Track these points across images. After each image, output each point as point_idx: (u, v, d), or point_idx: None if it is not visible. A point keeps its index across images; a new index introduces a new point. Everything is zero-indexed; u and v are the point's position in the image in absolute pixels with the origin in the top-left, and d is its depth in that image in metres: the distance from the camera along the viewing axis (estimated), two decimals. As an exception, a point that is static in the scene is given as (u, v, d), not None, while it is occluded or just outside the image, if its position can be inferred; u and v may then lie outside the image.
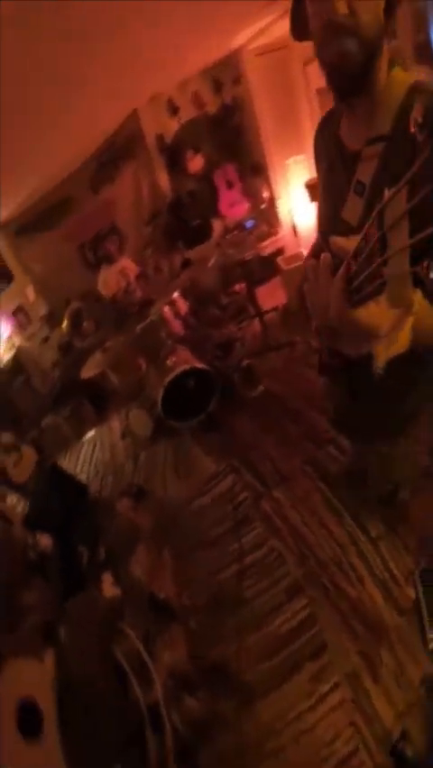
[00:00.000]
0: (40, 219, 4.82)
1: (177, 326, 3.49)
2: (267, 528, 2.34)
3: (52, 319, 5.13)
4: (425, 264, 0.47)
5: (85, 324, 4.33)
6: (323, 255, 0.58)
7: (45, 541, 2.36)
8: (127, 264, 4.16)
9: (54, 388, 4.75)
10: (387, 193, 0.44)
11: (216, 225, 4.42)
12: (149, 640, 1.71)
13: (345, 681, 1.65)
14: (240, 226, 4.33)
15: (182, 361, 3.23)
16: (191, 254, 4.16)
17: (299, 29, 0.81)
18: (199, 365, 3.15)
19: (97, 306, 4.37)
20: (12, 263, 5.11)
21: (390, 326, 0.56)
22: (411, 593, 1.72)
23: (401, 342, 0.58)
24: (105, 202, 4.69)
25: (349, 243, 0.55)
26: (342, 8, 0.67)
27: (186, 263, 4.06)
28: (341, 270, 0.54)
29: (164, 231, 4.34)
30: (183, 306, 3.60)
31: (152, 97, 4.08)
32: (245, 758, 1.59)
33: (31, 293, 5.23)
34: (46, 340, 5.10)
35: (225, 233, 4.27)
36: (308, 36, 0.77)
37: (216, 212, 4.49)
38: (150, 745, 1.32)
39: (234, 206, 4.43)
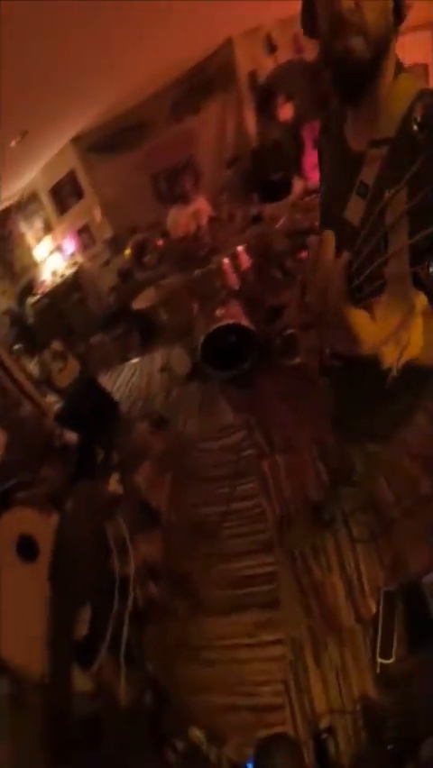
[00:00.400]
0: (114, 139, 4.60)
1: (233, 280, 3.56)
2: (260, 485, 2.56)
3: (116, 244, 5.11)
4: (426, 265, 0.45)
5: (148, 257, 4.44)
6: (325, 232, 0.58)
7: (70, 436, 2.71)
8: (202, 206, 4.07)
9: (108, 310, 5.02)
10: (387, 193, 0.44)
11: (297, 185, 4.08)
12: (133, 532, 2.03)
13: (289, 642, 1.80)
14: (318, 192, 4.15)
15: (230, 315, 3.36)
16: (265, 209, 3.99)
17: (310, 26, 0.80)
18: (245, 323, 3.27)
19: (163, 241, 4.40)
20: (82, 180, 5.00)
21: (386, 334, 0.54)
22: (373, 607, 1.74)
23: (414, 345, 0.57)
24: (185, 133, 4.46)
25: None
26: (349, 6, 0.68)
27: (257, 218, 3.96)
28: (342, 260, 0.54)
29: (243, 178, 4.18)
30: (245, 262, 3.62)
31: (249, 30, 3.81)
32: (180, 651, 1.90)
33: (98, 214, 5.15)
34: (107, 263, 5.19)
35: (303, 196, 3.91)
36: (317, 34, 0.77)
37: (299, 170, 4.11)
38: (115, 600, 1.65)
39: (315, 169, 4.20)
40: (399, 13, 0.74)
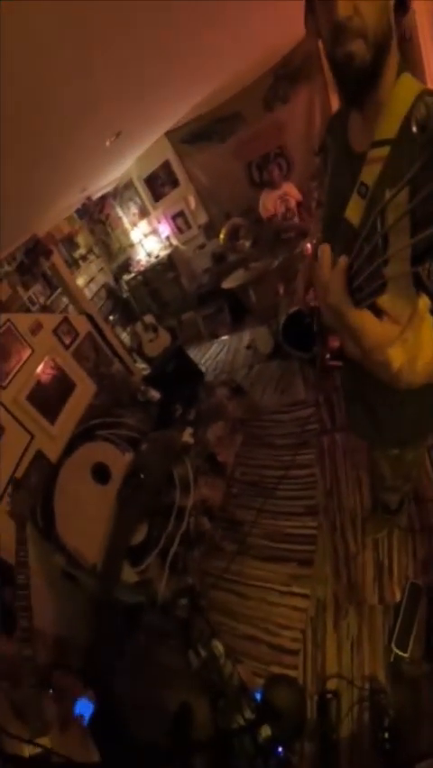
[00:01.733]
0: (209, 130, 4.80)
1: (317, 263, 3.60)
2: (317, 457, 2.66)
3: (210, 229, 5.41)
4: (426, 266, 0.45)
5: (241, 240, 4.63)
6: (322, 247, 0.59)
7: (153, 393, 3.09)
8: (290, 190, 4.15)
9: (200, 289, 5.36)
10: (388, 193, 0.43)
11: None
12: (197, 476, 2.30)
13: (315, 599, 1.91)
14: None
15: (313, 298, 3.43)
16: None
17: (314, 30, 0.80)
18: (324, 305, 3.32)
19: (256, 225, 4.56)
20: (177, 169, 5.29)
21: (388, 340, 0.52)
22: (397, 595, 1.74)
23: (427, 351, 0.53)
24: (276, 122, 4.52)
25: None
26: (347, 9, 0.67)
27: None
28: (342, 261, 0.54)
29: None
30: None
31: None
32: (219, 580, 2.13)
33: (192, 201, 5.46)
34: (202, 247, 5.53)
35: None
36: (321, 35, 0.77)
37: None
38: (170, 522, 1.95)
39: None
40: (402, 5, 0.73)
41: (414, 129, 0.48)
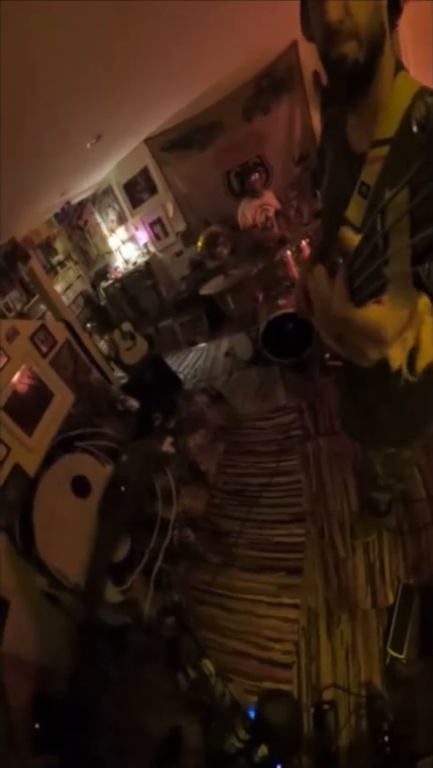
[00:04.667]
0: (189, 138, 4.85)
1: (295, 272, 3.64)
2: (302, 464, 2.64)
3: (188, 237, 5.42)
4: (427, 266, 0.45)
5: (219, 248, 4.64)
6: (317, 267, 0.58)
7: (132, 402, 3.01)
8: (269, 199, 4.21)
9: (178, 297, 5.33)
10: (388, 193, 0.43)
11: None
12: (179, 486, 2.24)
13: (305, 609, 1.87)
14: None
15: (291, 304, 3.45)
16: None
17: (308, 32, 0.79)
18: (304, 312, 3.35)
19: (234, 233, 4.59)
20: (156, 176, 5.31)
21: (397, 329, 0.52)
22: (390, 597, 1.73)
23: (427, 351, 0.55)
24: (256, 132, 4.61)
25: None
26: (339, 11, 0.67)
27: (319, 213, 4.05)
28: (342, 267, 0.54)
29: (312, 175, 4.29)
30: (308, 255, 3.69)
31: None
32: (206, 594, 2.07)
33: (170, 208, 5.48)
34: (179, 254, 5.54)
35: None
36: (314, 36, 0.76)
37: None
38: (153, 537, 1.87)
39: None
40: (395, 7, 0.73)
41: (414, 128, 0.49)
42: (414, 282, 0.46)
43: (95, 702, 1.53)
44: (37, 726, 1.17)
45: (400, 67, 0.76)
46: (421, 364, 0.55)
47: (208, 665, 1.64)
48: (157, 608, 1.74)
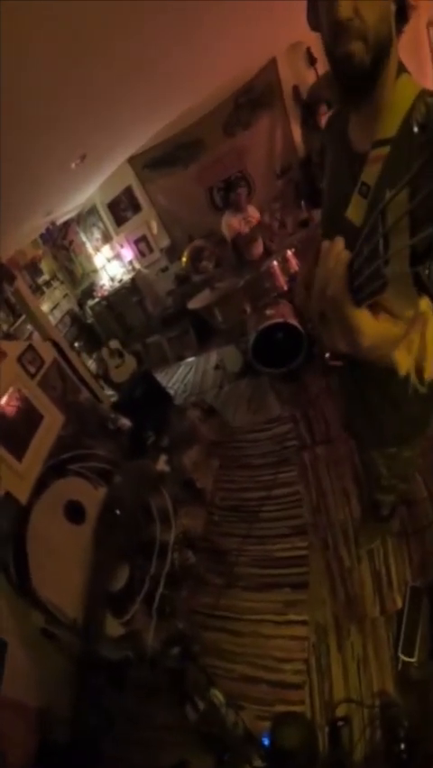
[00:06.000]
0: (171, 156, 4.93)
1: (282, 282, 3.65)
2: (300, 474, 2.60)
3: (173, 252, 5.46)
4: (427, 266, 0.45)
5: (204, 262, 4.66)
6: (337, 239, 0.58)
7: (123, 421, 2.95)
8: (252, 212, 4.25)
9: (165, 312, 5.32)
10: (388, 193, 0.44)
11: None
12: (176, 506, 2.17)
13: (313, 624, 1.80)
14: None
15: (280, 314, 3.45)
16: (313, 215, 4.09)
17: (315, 25, 0.79)
18: (292, 321, 3.35)
19: (219, 247, 4.62)
20: (140, 194, 5.38)
21: (392, 333, 0.52)
22: (399, 602, 1.71)
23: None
24: (237, 148, 4.70)
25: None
26: (348, 10, 0.67)
27: (305, 223, 4.08)
28: (344, 254, 0.54)
29: (295, 187, 4.36)
30: (294, 265, 3.71)
31: (291, 46, 4.02)
32: (210, 619, 1.98)
33: (154, 225, 5.54)
34: (165, 270, 5.57)
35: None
36: (321, 31, 0.76)
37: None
38: (152, 562, 1.80)
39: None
40: (402, 14, 0.74)
41: (415, 129, 0.47)
42: (414, 282, 0.46)
43: (98, 743, 1.44)
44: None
45: (402, 69, 0.77)
46: (428, 366, 0.57)
47: (218, 695, 1.55)
48: (161, 639, 1.65)
